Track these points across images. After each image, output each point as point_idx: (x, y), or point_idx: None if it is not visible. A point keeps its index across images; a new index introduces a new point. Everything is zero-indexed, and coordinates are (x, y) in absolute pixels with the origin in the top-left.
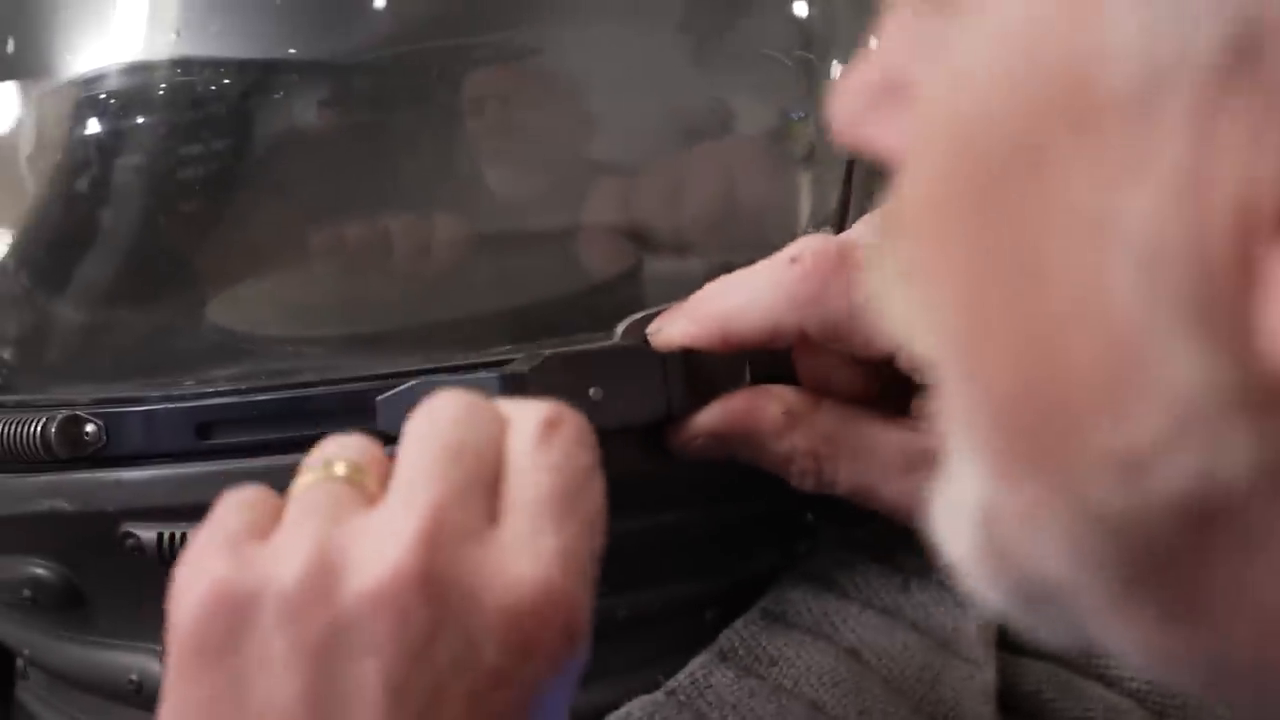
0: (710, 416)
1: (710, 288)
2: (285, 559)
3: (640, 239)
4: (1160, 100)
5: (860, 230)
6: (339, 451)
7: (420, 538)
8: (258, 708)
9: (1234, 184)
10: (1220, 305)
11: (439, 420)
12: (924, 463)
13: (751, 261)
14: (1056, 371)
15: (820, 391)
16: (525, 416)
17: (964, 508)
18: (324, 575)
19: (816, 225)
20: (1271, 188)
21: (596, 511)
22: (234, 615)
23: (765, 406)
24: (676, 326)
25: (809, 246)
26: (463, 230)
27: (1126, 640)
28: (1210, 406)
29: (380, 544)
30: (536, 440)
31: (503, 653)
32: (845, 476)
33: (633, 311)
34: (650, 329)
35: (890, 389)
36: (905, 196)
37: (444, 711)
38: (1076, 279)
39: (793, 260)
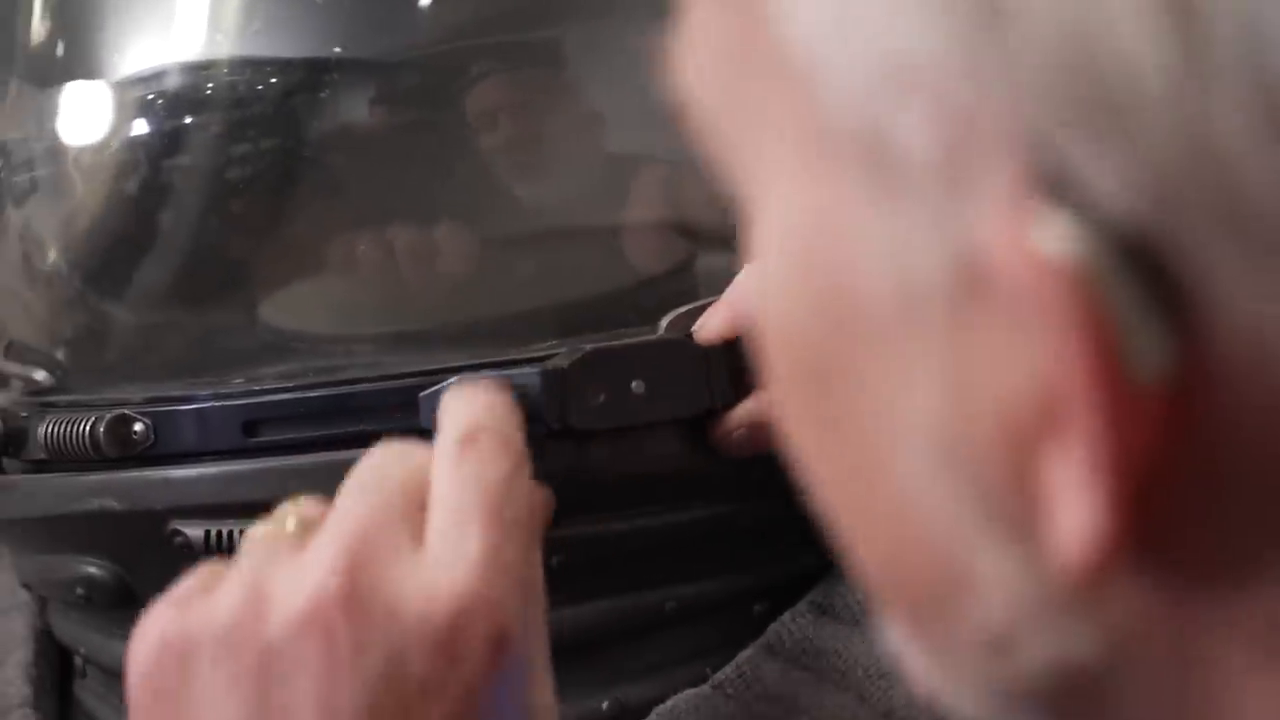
0: (749, 408)
1: (750, 272)
2: (221, 603)
3: (685, 233)
4: (919, 313)
5: None
6: (293, 509)
7: (340, 561)
8: None
9: (993, 398)
10: (1009, 511)
11: (363, 464)
12: None
13: None
14: (908, 561)
15: None
16: (444, 438)
17: (906, 648)
18: (253, 610)
19: None
20: (1027, 400)
21: (524, 514)
22: (178, 659)
23: None
24: (718, 316)
25: None
26: (508, 227)
27: None
28: (1034, 601)
29: (304, 574)
30: (453, 457)
31: (428, 662)
32: None
33: (677, 306)
34: (695, 327)
35: None
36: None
37: None
38: (896, 480)
39: None
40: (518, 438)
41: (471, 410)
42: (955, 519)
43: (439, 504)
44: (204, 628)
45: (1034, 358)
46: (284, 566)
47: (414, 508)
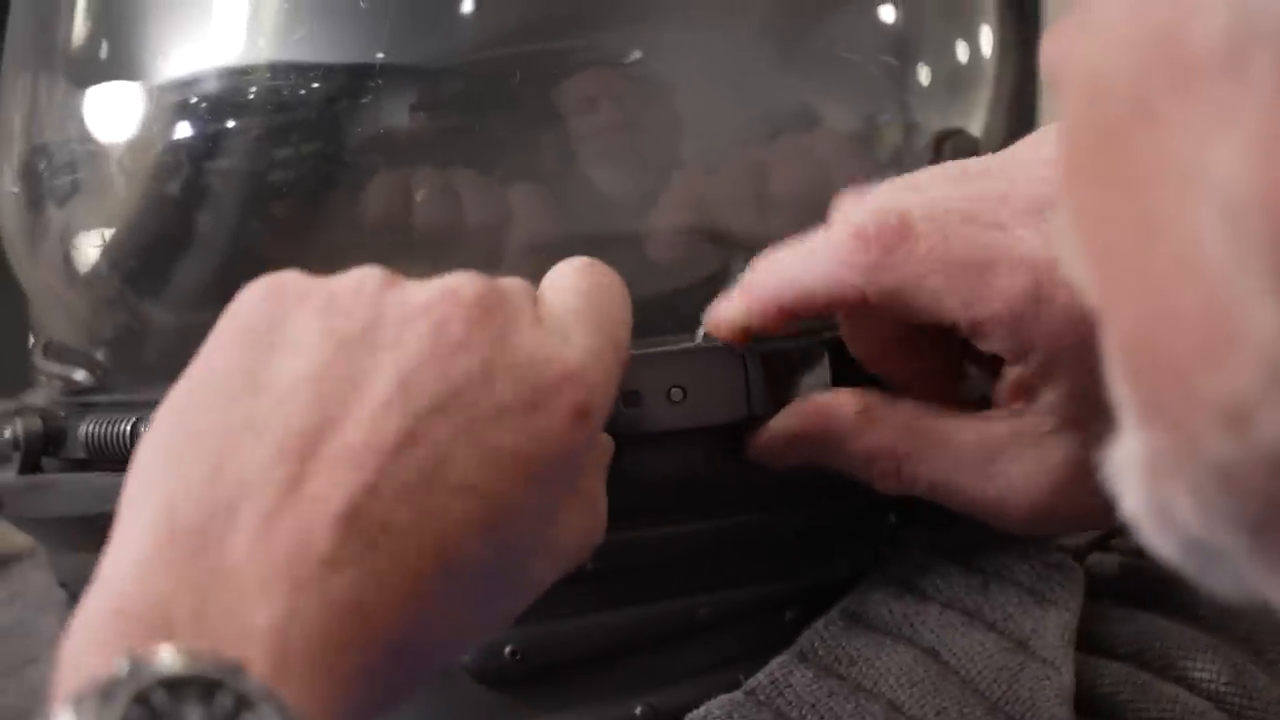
0: (786, 420)
1: (762, 264)
2: (348, 276)
3: (726, 241)
4: (1249, 57)
5: (914, 197)
6: None
7: (483, 280)
8: (267, 378)
9: None
10: None
11: None
12: (1002, 454)
13: None
14: (1165, 321)
15: (874, 363)
16: (564, 263)
17: (1130, 462)
18: (378, 286)
19: None
20: None
21: (624, 335)
22: (280, 301)
23: (841, 405)
24: (733, 305)
25: (871, 214)
26: (546, 234)
27: (1277, 590)
28: None
29: (438, 282)
30: (570, 271)
31: (512, 394)
32: (925, 473)
33: None
34: (707, 318)
35: (954, 364)
36: (1058, 146)
37: (441, 423)
38: (1178, 233)
39: (854, 227)
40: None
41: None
42: (1232, 275)
43: (554, 302)
44: (322, 286)
45: None
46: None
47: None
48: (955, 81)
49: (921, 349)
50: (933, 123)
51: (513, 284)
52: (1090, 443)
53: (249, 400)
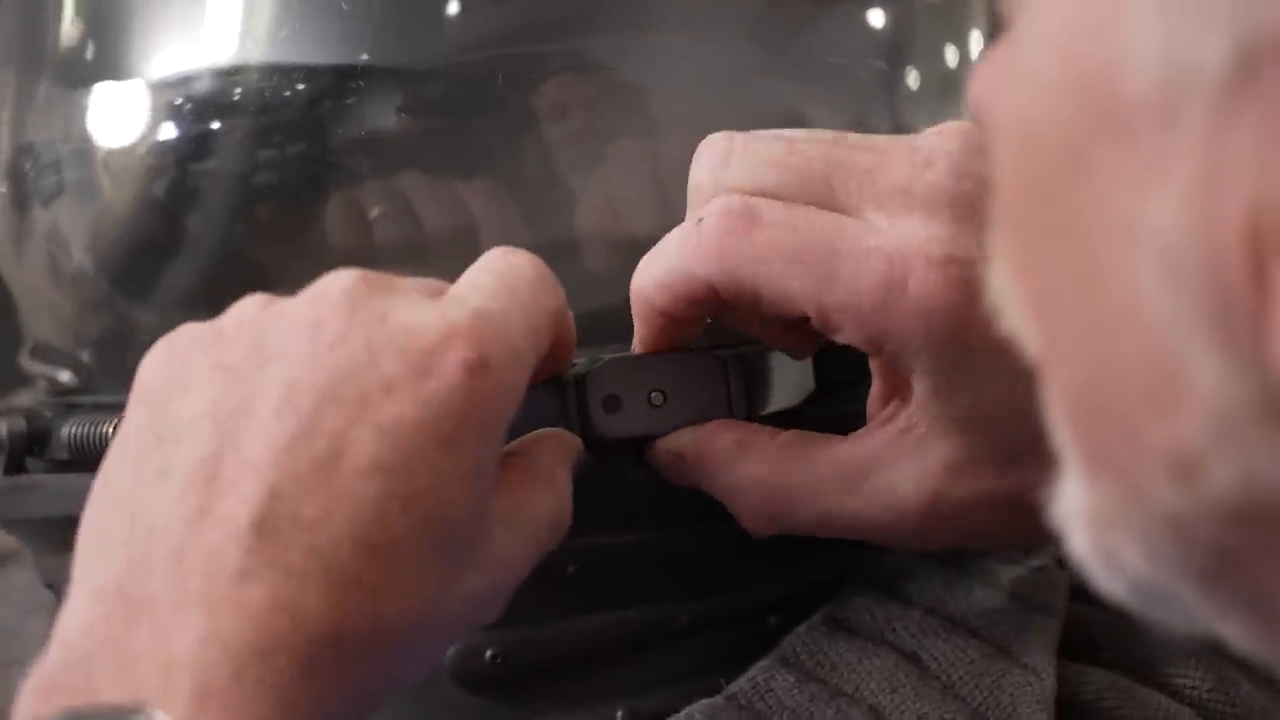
0: (673, 442)
1: (640, 263)
2: (230, 312)
3: None
4: (1181, 107)
5: (775, 162)
6: None
7: (349, 278)
8: (170, 427)
9: (1245, 196)
10: (1237, 317)
11: None
12: (878, 467)
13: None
14: (1110, 372)
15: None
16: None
17: (1074, 510)
18: (258, 308)
19: None
20: (1277, 202)
21: (533, 299)
22: (176, 353)
23: (719, 434)
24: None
25: (714, 204)
26: (530, 238)
27: (1229, 633)
28: (1241, 414)
29: (311, 289)
30: (486, 256)
31: (398, 365)
32: (802, 508)
33: None
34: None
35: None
36: (992, 189)
37: (329, 411)
38: (1119, 284)
39: (699, 220)
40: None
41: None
42: (1174, 326)
43: (465, 278)
44: (211, 325)
45: None
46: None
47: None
48: (943, 86)
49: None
50: (920, 127)
51: (401, 277)
52: (966, 444)
53: (155, 452)
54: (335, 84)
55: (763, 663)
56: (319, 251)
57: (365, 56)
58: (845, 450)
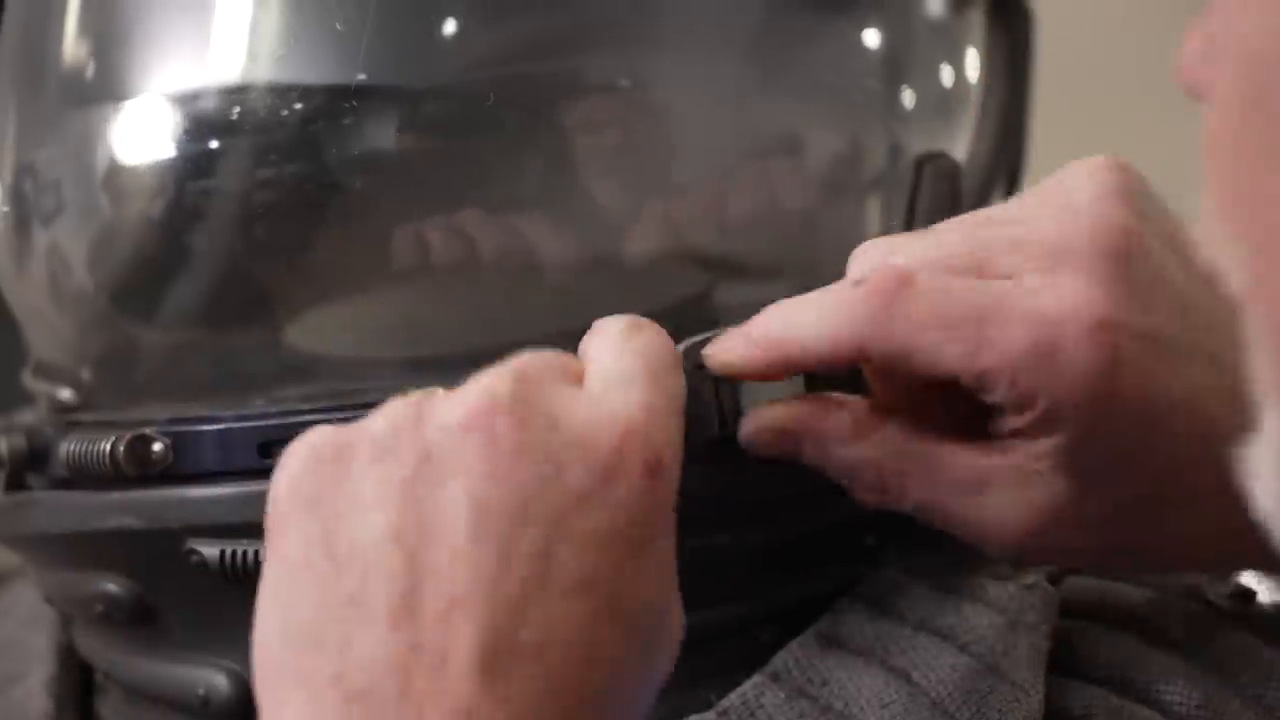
0: (778, 412)
1: (770, 310)
2: (379, 416)
3: (706, 263)
4: None
5: (923, 248)
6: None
7: (506, 377)
8: (346, 549)
9: None
10: None
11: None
12: (990, 486)
13: (815, 288)
14: None
15: (896, 411)
16: (608, 324)
17: (1270, 458)
18: (414, 417)
19: None
20: None
21: (676, 386)
22: (330, 464)
23: (834, 411)
24: (734, 350)
25: (873, 268)
26: (527, 256)
27: None
28: None
29: (468, 389)
30: (619, 333)
31: (587, 476)
32: (914, 493)
33: (691, 335)
34: (706, 352)
35: (961, 413)
36: (1210, 137)
37: (527, 533)
38: None
39: (856, 282)
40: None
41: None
42: None
43: (598, 365)
44: (361, 434)
45: None
46: (443, 395)
47: (572, 374)
48: (940, 105)
49: (941, 398)
50: (916, 146)
51: (540, 361)
52: (1079, 488)
53: (337, 580)
54: (333, 103)
55: (754, 679)
56: (318, 270)
57: (362, 76)
58: (964, 460)
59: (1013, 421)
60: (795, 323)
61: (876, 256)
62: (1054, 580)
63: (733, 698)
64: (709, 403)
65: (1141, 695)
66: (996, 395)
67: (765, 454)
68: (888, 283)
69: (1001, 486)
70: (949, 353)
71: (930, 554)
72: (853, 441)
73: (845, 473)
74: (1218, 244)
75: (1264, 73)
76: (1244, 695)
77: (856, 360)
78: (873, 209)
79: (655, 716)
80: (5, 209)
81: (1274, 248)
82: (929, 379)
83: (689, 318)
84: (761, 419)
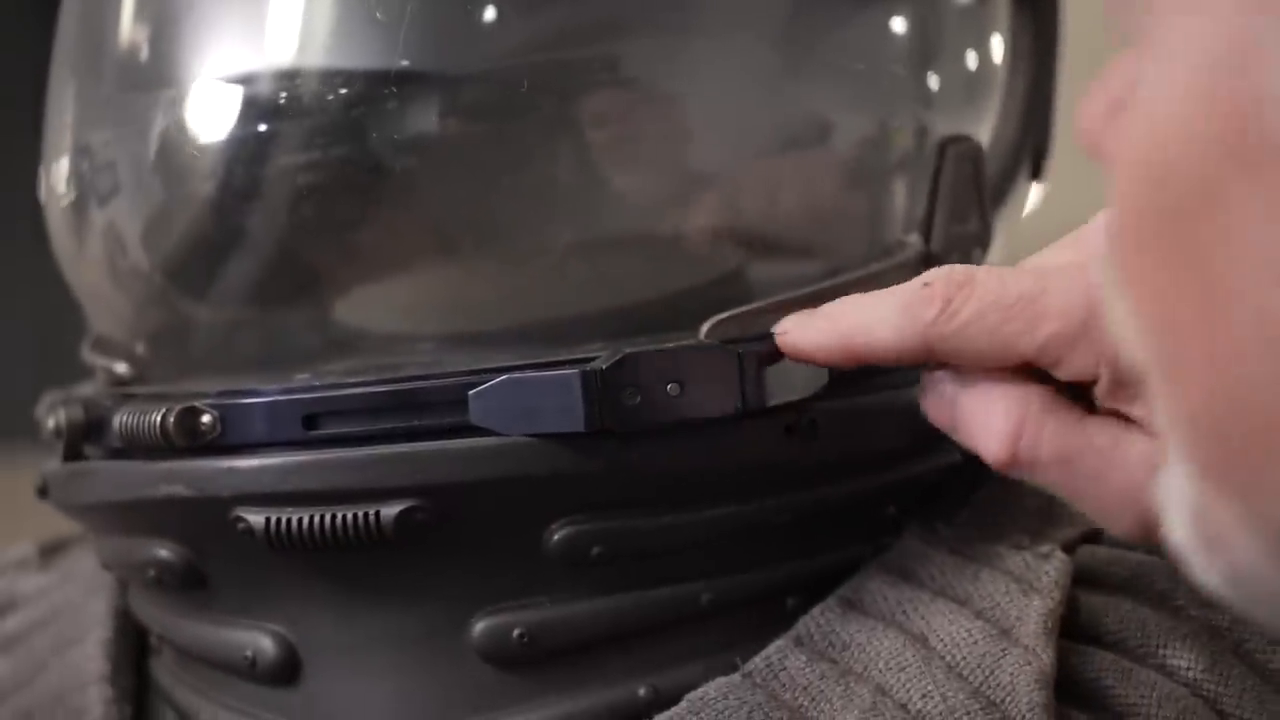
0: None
1: (841, 302)
2: None
3: (734, 243)
4: None
5: (996, 260)
6: None
7: None
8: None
9: None
10: None
11: None
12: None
13: (842, 267)
14: (1245, 396)
15: None
16: None
17: (1179, 499)
18: None
19: (906, 231)
20: None
21: None
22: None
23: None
24: (807, 334)
25: (940, 272)
26: (563, 235)
27: None
28: None
29: None
30: None
31: None
32: (1049, 442)
33: (721, 311)
34: (779, 329)
35: None
36: (1111, 215)
37: None
38: (1255, 311)
39: (925, 284)
40: None
41: None
42: None
43: None
44: None
45: None
46: None
47: None
48: (966, 88)
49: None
50: (942, 129)
51: None
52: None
53: None
54: (374, 88)
55: (778, 642)
56: (362, 248)
57: (404, 62)
58: (1103, 427)
59: (1099, 394)
60: (867, 318)
61: (946, 268)
62: (1069, 548)
63: (757, 660)
64: (733, 378)
65: (1149, 659)
66: (1067, 366)
67: (930, 402)
68: (953, 286)
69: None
70: (1008, 331)
71: (949, 524)
72: (1009, 384)
73: (987, 417)
74: (1125, 330)
75: (1168, 192)
76: (1249, 660)
77: (922, 359)
78: (898, 190)
79: (683, 679)
80: (62, 189)
81: (1181, 348)
82: (1000, 366)
83: (719, 295)
84: (930, 377)
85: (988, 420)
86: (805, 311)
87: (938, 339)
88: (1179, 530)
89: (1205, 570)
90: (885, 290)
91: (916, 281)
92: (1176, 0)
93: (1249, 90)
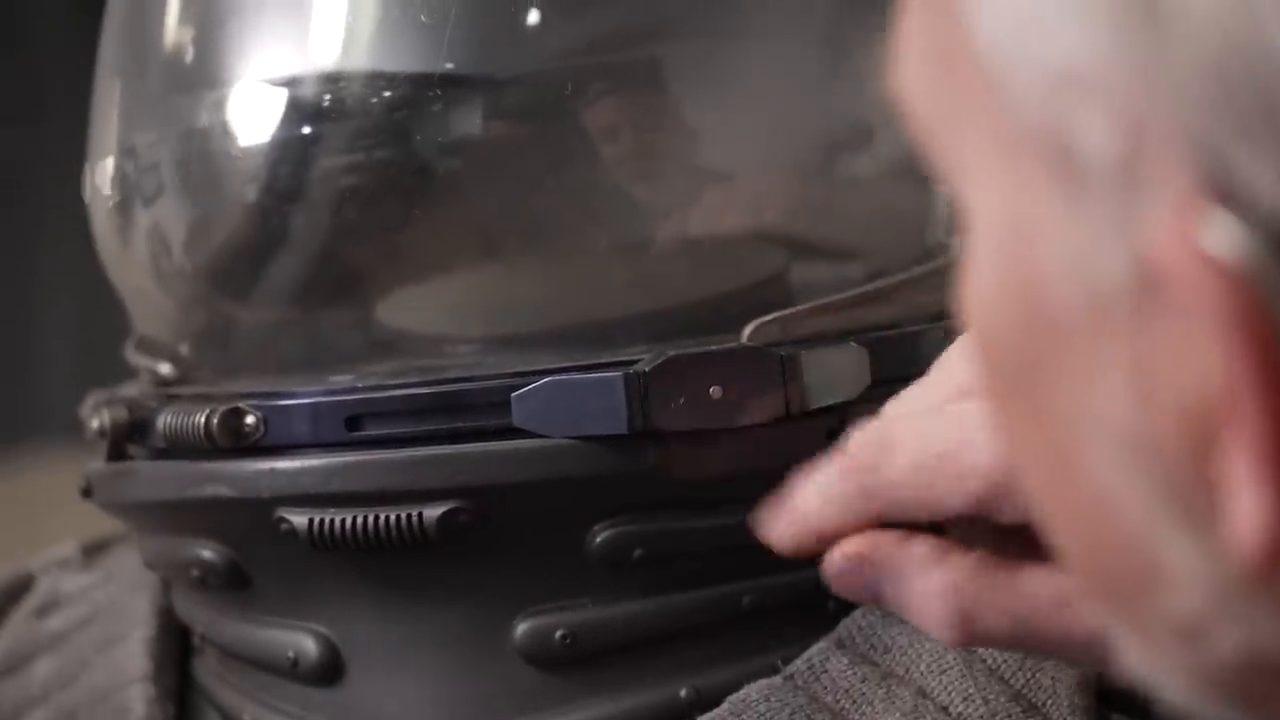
0: (857, 542)
1: (790, 490)
2: None
3: (777, 245)
4: (1104, 315)
5: (908, 393)
6: None
7: None
8: None
9: (1173, 394)
10: (1193, 503)
11: None
12: (1075, 599)
13: (884, 270)
14: (1104, 549)
15: None
16: None
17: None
18: None
19: (948, 234)
20: (1203, 397)
21: None
22: None
23: (911, 539)
24: (784, 534)
25: (856, 435)
26: (605, 238)
27: None
28: (1221, 591)
29: None
30: None
31: None
32: (996, 617)
33: (763, 314)
34: (764, 534)
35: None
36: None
37: None
38: (1091, 472)
39: (840, 456)
40: None
41: None
42: (1145, 510)
43: None
44: None
45: (1207, 355)
46: None
47: None
48: None
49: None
50: None
51: None
52: None
53: None
54: (418, 91)
55: (819, 644)
56: (405, 251)
57: (451, 66)
58: (1045, 577)
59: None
60: (804, 508)
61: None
62: None
63: (799, 663)
64: (775, 385)
65: None
66: (1007, 515)
67: (846, 589)
68: (869, 447)
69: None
70: (940, 490)
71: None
72: (931, 569)
73: (923, 606)
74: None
75: (1000, 358)
76: None
77: (873, 525)
78: (940, 193)
79: (725, 680)
80: (108, 190)
81: (1048, 502)
82: (939, 520)
83: (761, 298)
84: (843, 549)
85: (925, 607)
86: (772, 506)
87: (876, 509)
88: (1126, 659)
89: (1159, 694)
90: (812, 468)
91: (835, 455)
92: (975, 169)
93: (1034, 268)
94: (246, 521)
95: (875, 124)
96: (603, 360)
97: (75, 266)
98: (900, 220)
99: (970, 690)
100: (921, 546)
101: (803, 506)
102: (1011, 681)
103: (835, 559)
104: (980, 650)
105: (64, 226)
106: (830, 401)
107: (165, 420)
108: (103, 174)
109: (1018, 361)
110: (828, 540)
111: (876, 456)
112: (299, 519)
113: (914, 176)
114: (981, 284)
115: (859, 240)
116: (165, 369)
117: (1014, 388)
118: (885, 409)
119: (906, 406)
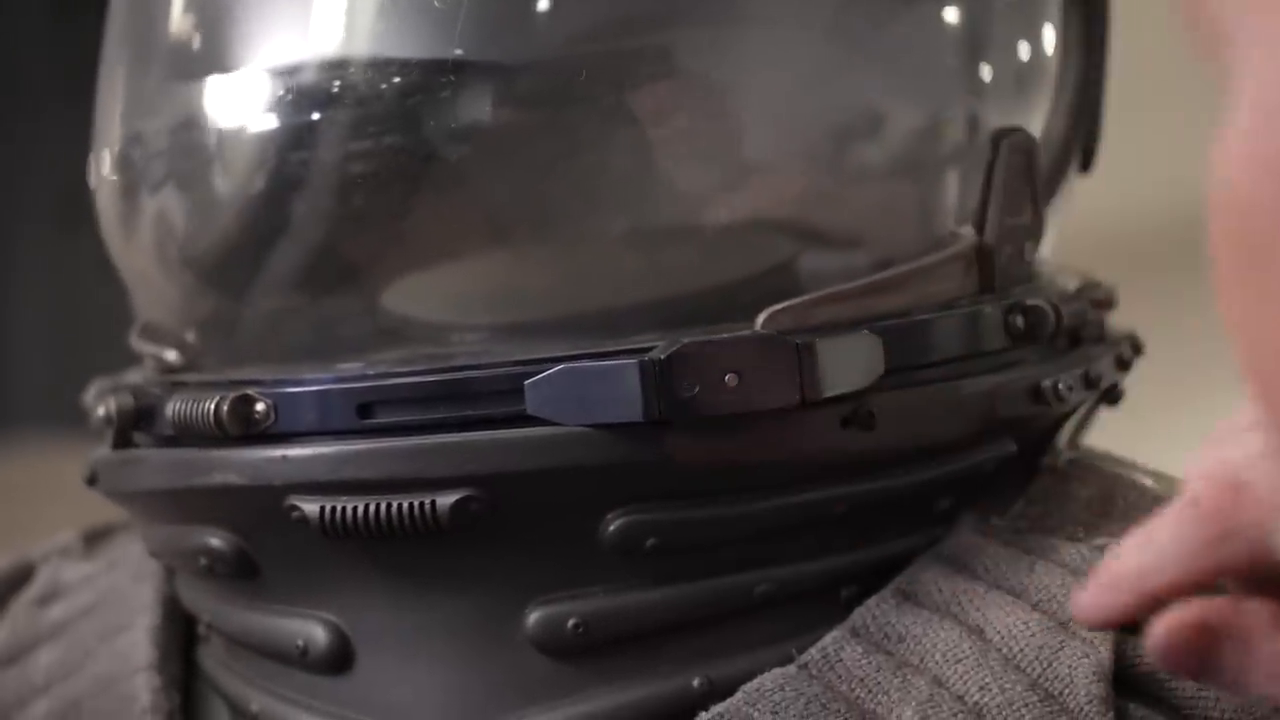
0: (1192, 610)
1: (1117, 553)
2: None
3: (787, 233)
4: None
5: (1247, 445)
6: None
7: None
8: None
9: None
10: None
11: None
12: None
13: (895, 258)
14: None
15: None
16: None
17: None
18: None
19: (959, 223)
20: None
21: None
22: None
23: (1247, 604)
24: (1101, 604)
25: (1203, 482)
26: (616, 224)
27: None
28: None
29: None
30: None
31: None
32: None
33: (776, 302)
34: (1076, 615)
35: None
36: (1215, 258)
37: None
38: None
39: (1192, 504)
40: None
41: None
42: None
43: None
44: None
45: None
46: None
47: None
48: (1017, 80)
49: None
50: (993, 120)
51: None
52: None
53: None
54: (428, 78)
55: (834, 633)
56: (413, 238)
57: (459, 51)
58: None
59: None
60: (1148, 562)
61: (1207, 462)
62: None
63: (813, 652)
64: (792, 369)
65: None
66: None
67: (1174, 659)
68: (1222, 496)
69: None
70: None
71: (1003, 515)
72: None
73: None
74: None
75: (1252, 228)
76: None
77: (1218, 579)
78: (951, 182)
79: (739, 670)
80: (114, 177)
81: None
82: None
83: (772, 286)
84: (1173, 620)
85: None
86: (1090, 582)
87: (1229, 559)
88: None
89: None
90: (1155, 522)
91: (1182, 502)
92: (1250, 33)
93: None
94: (256, 509)
95: (884, 111)
96: (611, 348)
97: (53, 259)
98: (910, 209)
99: (986, 679)
100: (1262, 610)
101: (1136, 567)
102: (1028, 670)
103: (1167, 629)
104: (995, 640)
105: (40, 220)
106: (844, 390)
107: (173, 407)
108: (108, 160)
109: (1265, 237)
110: (1160, 601)
111: (1229, 499)
112: (310, 507)
113: (923, 164)
114: (1241, 153)
115: (869, 229)
116: (171, 355)
117: (1256, 262)
118: (1206, 458)
119: (1235, 451)
